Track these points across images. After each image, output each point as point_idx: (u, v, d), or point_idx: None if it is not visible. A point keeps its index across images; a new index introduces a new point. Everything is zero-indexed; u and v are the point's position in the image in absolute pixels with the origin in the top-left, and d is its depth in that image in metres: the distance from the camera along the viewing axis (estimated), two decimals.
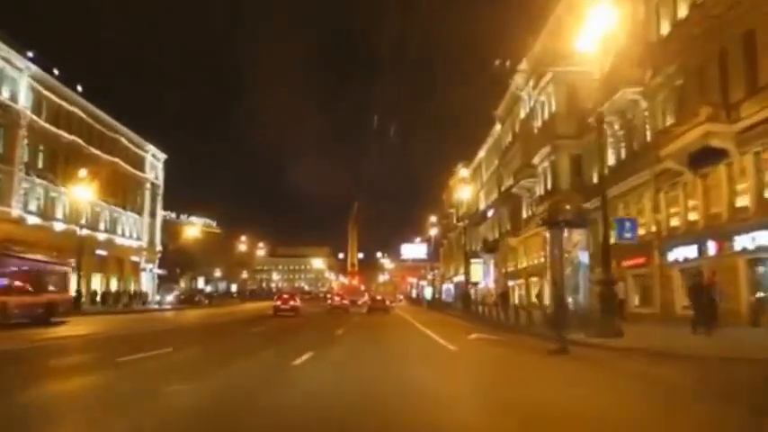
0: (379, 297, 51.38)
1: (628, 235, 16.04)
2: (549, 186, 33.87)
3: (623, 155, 25.95)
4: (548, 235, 24.89)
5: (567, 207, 17.02)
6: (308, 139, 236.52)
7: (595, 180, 30.00)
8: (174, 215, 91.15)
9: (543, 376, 9.40)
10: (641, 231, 21.51)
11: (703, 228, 19.46)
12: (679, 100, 21.25)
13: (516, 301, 37.98)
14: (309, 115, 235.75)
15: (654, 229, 22.55)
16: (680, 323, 19.30)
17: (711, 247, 18.62)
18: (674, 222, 21.71)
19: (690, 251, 20.06)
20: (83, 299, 34.84)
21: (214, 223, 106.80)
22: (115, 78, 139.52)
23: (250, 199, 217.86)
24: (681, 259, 20.72)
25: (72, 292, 24.22)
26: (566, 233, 17.98)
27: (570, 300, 14.35)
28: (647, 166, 22.98)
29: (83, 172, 36.80)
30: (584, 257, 17.68)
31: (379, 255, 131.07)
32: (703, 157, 18.75)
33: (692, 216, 20.39)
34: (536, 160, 35.70)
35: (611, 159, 27.29)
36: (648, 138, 23.49)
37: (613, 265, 21.90)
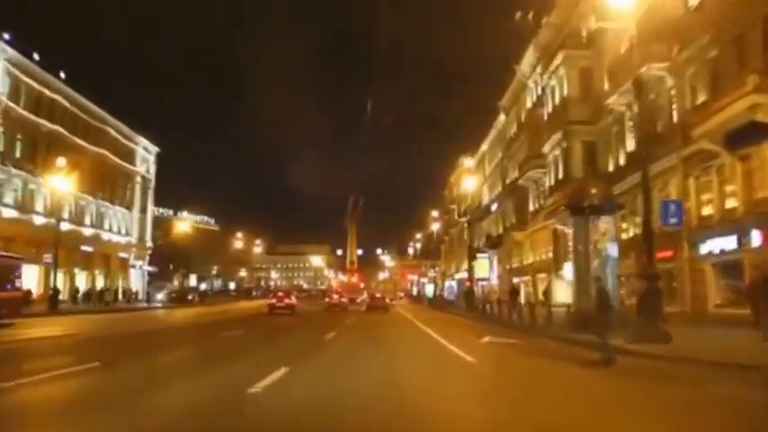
0: (378, 295, 49.20)
1: (673, 220, 13.59)
2: (560, 176, 31.64)
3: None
4: (563, 228, 22.65)
5: (594, 191, 14.57)
6: (307, 139, 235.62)
7: (611, 168, 27.92)
8: (171, 212, 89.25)
9: (604, 401, 6.97)
10: None
11: (744, 216, 17.14)
12: (712, 74, 19.01)
13: (522, 299, 35.70)
14: (309, 115, 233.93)
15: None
16: (713, 323, 17.19)
17: (756, 238, 16.30)
18: (707, 211, 19.41)
19: (727, 242, 17.75)
20: (60, 296, 32.71)
21: (212, 221, 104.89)
22: (115, 78, 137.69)
23: (250, 198, 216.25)
24: (716, 251, 18.40)
25: (23, 289, 21.68)
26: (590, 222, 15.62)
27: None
28: (673, 150, 20.76)
29: (61, 161, 34.26)
30: (612, 250, 15.33)
31: (379, 251, 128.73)
32: (745, 136, 16.40)
33: (730, 203, 18.08)
34: (546, 149, 33.48)
35: (630, 145, 25.05)
36: (675, 118, 21.27)
37: (637, 259, 19.86)
